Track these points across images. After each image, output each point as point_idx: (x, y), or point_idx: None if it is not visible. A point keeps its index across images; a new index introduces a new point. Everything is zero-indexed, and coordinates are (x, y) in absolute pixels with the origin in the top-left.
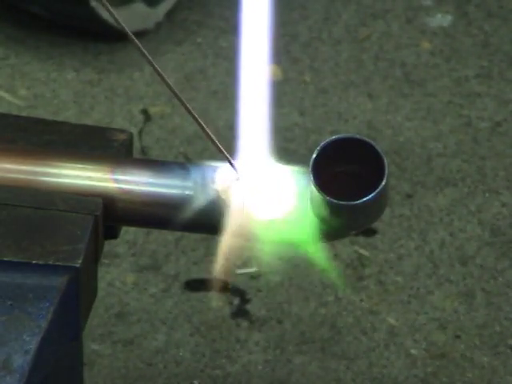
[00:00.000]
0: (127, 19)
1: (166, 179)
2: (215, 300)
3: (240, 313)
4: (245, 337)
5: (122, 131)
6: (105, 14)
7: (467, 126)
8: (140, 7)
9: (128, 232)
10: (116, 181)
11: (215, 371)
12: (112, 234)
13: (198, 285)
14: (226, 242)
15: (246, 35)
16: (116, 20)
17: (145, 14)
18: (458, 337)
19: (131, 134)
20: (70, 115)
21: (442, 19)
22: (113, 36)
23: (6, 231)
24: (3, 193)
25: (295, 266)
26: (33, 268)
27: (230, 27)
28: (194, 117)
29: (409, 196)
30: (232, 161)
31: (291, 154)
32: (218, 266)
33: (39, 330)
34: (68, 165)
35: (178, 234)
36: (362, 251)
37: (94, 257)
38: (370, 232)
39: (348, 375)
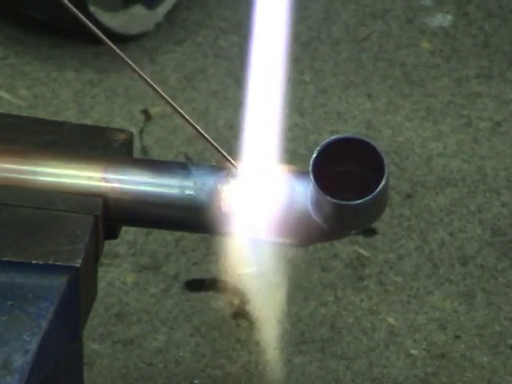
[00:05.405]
0: (127, 23)
1: (166, 179)
2: (215, 300)
3: (240, 313)
4: (245, 337)
5: (122, 131)
6: (104, 19)
7: (467, 126)
8: (139, 10)
9: (128, 232)
10: (116, 181)
11: (215, 371)
12: (112, 234)
13: (198, 285)
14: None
15: (259, 35)
16: None
17: (145, 17)
18: (457, 337)
19: (131, 134)
20: (69, 115)
21: (442, 19)
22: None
23: (6, 231)
24: (3, 193)
25: (295, 266)
26: (33, 268)
27: (230, 27)
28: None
29: (409, 196)
30: (229, 158)
31: (291, 154)
32: (224, 266)
33: (39, 330)
34: (68, 165)
35: (178, 234)
36: (362, 251)
37: (94, 257)
38: (370, 232)
39: (348, 375)
